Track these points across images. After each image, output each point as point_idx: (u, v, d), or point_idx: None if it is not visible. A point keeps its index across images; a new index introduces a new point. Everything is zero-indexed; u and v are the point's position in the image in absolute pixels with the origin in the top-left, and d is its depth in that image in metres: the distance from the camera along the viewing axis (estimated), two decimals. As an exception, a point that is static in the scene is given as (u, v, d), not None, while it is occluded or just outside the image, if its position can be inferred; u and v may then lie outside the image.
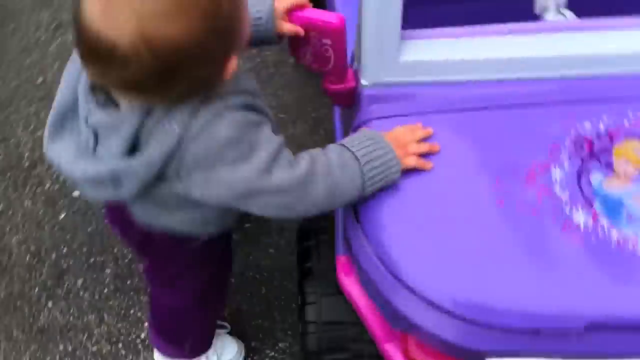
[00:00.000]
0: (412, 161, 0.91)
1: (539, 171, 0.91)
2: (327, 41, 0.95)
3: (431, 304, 0.86)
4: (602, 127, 0.95)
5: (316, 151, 0.90)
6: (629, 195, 0.88)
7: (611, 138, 0.93)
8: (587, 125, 0.95)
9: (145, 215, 0.97)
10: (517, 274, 0.85)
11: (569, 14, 1.14)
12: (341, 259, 1.02)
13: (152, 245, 1.04)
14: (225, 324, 1.43)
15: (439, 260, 0.87)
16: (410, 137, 0.92)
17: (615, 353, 0.83)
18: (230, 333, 1.43)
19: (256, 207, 0.86)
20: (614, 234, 0.86)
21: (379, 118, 0.99)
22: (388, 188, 0.93)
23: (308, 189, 0.85)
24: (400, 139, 0.92)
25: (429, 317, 0.87)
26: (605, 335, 0.82)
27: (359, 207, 0.94)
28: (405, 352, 0.95)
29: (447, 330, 0.87)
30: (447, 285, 0.86)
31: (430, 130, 0.94)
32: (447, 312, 0.85)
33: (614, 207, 0.88)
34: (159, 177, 0.82)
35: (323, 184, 0.86)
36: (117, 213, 1.00)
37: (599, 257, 0.85)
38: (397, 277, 0.88)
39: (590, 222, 0.87)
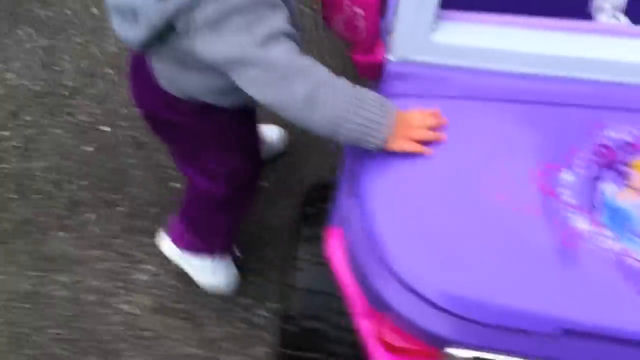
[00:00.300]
0: (407, 145, 0.91)
1: (551, 172, 0.89)
2: (359, 11, 0.94)
3: (411, 290, 0.85)
4: (627, 137, 0.92)
5: (326, 68, 0.91)
6: (640, 210, 0.86)
7: (635, 150, 0.90)
8: (612, 133, 0.92)
9: (165, 75, 1.05)
10: (504, 271, 0.83)
11: (623, 19, 1.10)
12: (332, 229, 1.02)
13: (177, 117, 1.11)
14: (237, 252, 1.51)
15: (426, 248, 0.86)
16: (419, 122, 0.92)
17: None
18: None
19: (242, 79, 0.90)
20: (615, 246, 0.83)
21: (399, 96, 0.98)
22: (389, 167, 0.92)
23: (292, 80, 0.88)
24: (409, 120, 0.92)
25: (407, 302, 0.87)
26: (580, 344, 0.80)
27: (357, 178, 0.94)
28: (377, 331, 0.95)
29: (423, 317, 0.86)
30: (430, 273, 0.85)
31: (444, 120, 0.93)
32: (425, 300, 0.84)
33: (620, 220, 0.85)
34: (170, 27, 0.89)
35: (305, 87, 0.88)
36: (144, 80, 1.08)
37: (594, 266, 0.82)
38: (381, 258, 0.87)
39: (593, 230, 0.84)
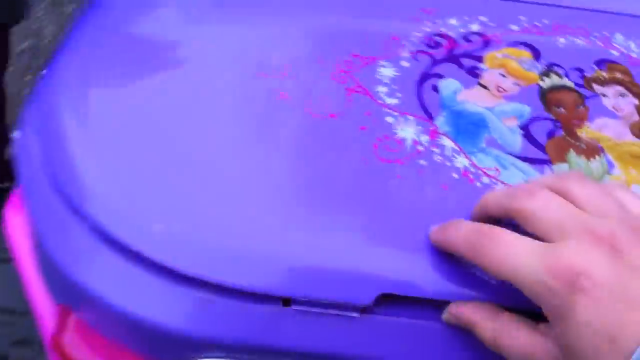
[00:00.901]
0: None
1: (358, 64, 0.57)
2: None
3: (123, 250, 0.48)
4: (475, 27, 0.61)
5: None
6: (498, 114, 0.54)
7: (486, 42, 0.60)
8: (453, 21, 0.62)
9: None
10: (268, 212, 0.48)
11: None
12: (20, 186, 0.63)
13: None
14: None
15: (145, 178, 0.50)
16: None
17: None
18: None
19: None
20: (460, 161, 0.50)
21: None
22: (96, 55, 0.56)
23: None
24: None
25: (104, 268, 0.49)
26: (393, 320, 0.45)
27: (41, 85, 0.58)
28: (59, 346, 0.54)
29: (132, 296, 0.48)
30: (144, 216, 0.48)
31: None
32: (137, 258, 0.47)
33: (469, 127, 0.53)
34: None
35: None
36: None
37: (424, 193, 0.49)
38: (71, 205, 0.50)
39: (426, 140, 0.51)
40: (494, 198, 0.42)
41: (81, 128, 0.53)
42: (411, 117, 0.54)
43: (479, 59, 0.59)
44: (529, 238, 0.38)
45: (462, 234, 0.40)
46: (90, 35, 0.60)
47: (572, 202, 0.39)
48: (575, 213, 0.38)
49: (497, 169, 0.51)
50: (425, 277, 0.44)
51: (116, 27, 0.61)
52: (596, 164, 0.52)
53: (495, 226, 0.40)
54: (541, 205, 0.38)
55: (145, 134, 0.52)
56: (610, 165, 0.52)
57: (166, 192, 0.48)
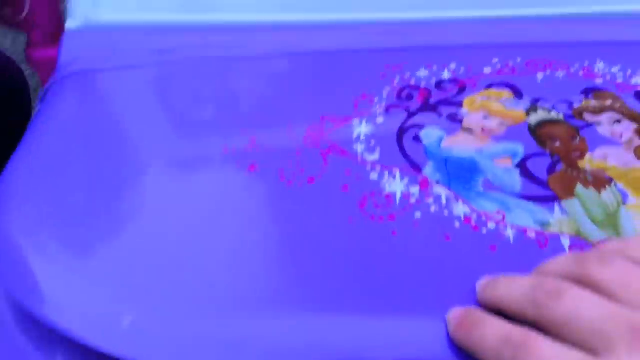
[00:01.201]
0: None
1: (331, 126, 0.52)
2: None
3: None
4: (446, 75, 0.58)
5: None
6: (489, 156, 0.49)
7: (462, 88, 0.56)
8: (422, 72, 0.58)
9: None
10: (255, 295, 0.42)
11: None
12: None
13: None
14: None
15: (114, 280, 0.44)
16: None
17: None
18: None
19: None
20: (459, 209, 0.45)
21: (73, 74, 0.61)
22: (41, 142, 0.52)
23: None
24: None
25: None
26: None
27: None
28: None
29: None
30: (113, 320, 0.42)
31: None
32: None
33: (461, 172, 0.48)
34: None
35: None
36: None
37: (426, 247, 0.43)
38: (27, 309, 0.44)
39: (417, 191, 0.46)
40: (512, 299, 0.35)
41: (33, 242, 0.46)
42: (397, 170, 0.49)
43: (458, 105, 0.55)
44: (572, 351, 0.32)
45: (490, 342, 0.34)
46: (41, 139, 0.55)
47: (600, 290, 0.33)
48: (613, 311, 0.32)
49: (501, 212, 0.45)
50: (446, 344, 0.38)
51: (64, 129, 0.56)
52: (608, 194, 0.47)
53: (529, 333, 0.34)
54: (572, 309, 0.32)
55: (106, 225, 0.46)
56: (624, 194, 0.47)
57: (138, 287, 0.42)
